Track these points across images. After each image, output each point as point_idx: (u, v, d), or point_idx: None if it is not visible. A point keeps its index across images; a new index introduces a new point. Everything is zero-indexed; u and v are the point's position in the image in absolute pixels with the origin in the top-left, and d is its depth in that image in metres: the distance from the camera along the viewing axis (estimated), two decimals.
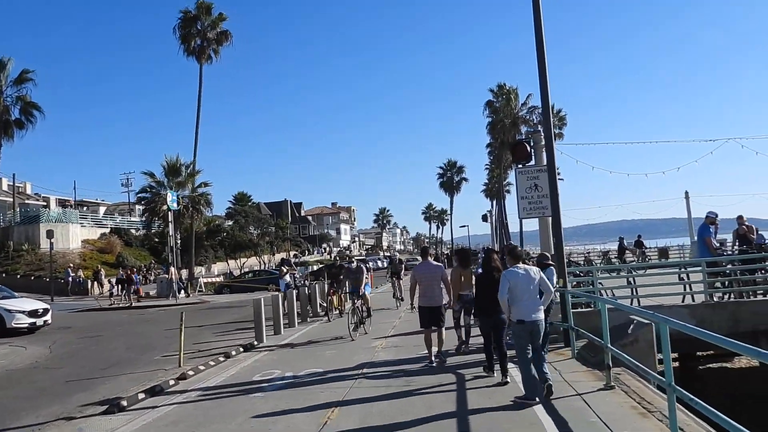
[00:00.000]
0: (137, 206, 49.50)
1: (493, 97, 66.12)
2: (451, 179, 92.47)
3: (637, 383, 8.29)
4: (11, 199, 56.10)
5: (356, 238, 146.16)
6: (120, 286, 34.62)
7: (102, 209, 75.02)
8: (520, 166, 12.68)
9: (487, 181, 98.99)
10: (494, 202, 79.13)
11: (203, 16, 44.81)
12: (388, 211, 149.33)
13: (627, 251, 33.94)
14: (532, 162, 12.57)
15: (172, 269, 37.52)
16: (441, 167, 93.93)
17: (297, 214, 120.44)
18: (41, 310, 21.56)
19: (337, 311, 19.82)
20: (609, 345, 8.10)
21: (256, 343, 14.77)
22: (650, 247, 35.88)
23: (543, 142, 12.46)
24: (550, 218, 11.99)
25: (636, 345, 9.70)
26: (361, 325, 15.07)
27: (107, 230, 57.82)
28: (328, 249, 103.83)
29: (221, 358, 12.77)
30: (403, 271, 23.04)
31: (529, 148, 12.39)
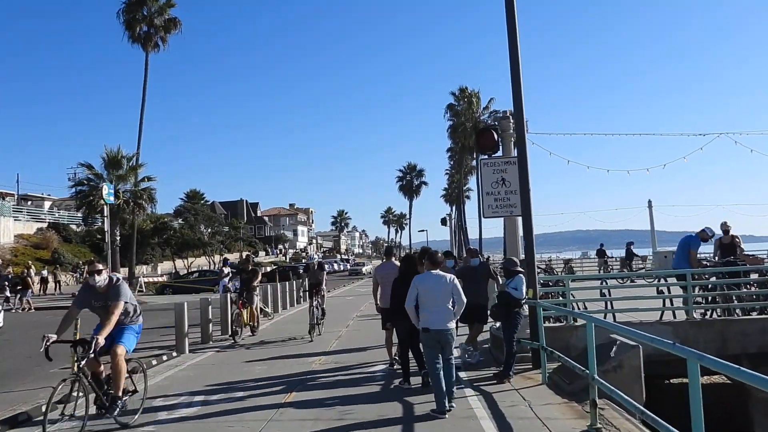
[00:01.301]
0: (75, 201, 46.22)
1: (454, 101, 65.05)
2: (410, 183, 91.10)
3: (627, 423, 6.58)
4: None
5: (314, 240, 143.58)
6: (15, 289, 29.67)
7: (47, 204, 71.11)
8: (485, 156, 10.93)
9: (447, 186, 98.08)
10: (454, 207, 77.98)
11: (150, 1, 42.22)
12: (346, 213, 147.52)
13: (636, 257, 32.10)
14: (500, 153, 10.84)
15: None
16: (401, 170, 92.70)
17: (253, 215, 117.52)
18: None
19: (248, 327, 15.65)
20: (596, 376, 6.37)
21: (175, 354, 12.69)
22: (612, 257, 34.75)
23: (512, 130, 10.76)
24: (520, 218, 10.29)
25: (620, 372, 8.04)
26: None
27: (45, 225, 54.39)
28: (283, 250, 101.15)
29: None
30: (324, 281, 16.09)
31: (496, 137, 10.66)
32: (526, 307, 9.41)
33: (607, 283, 12.35)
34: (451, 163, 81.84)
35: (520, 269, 9.15)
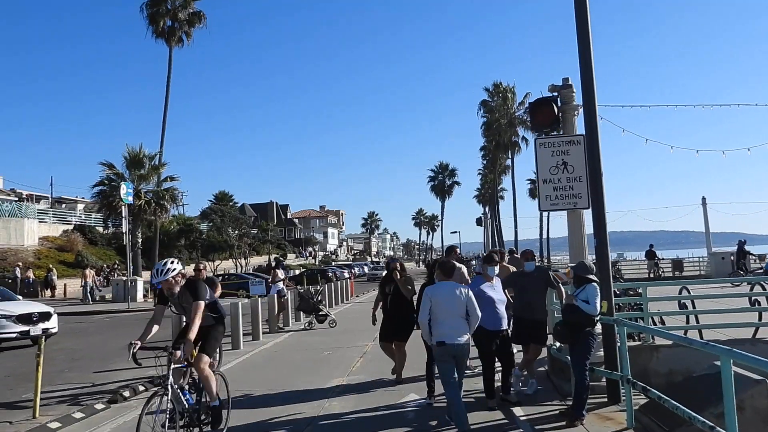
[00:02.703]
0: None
1: (488, 97, 62.74)
2: (442, 183, 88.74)
3: None
4: None
5: (344, 243, 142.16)
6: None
7: (80, 206, 70.78)
8: (541, 135, 8.84)
9: (480, 186, 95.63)
10: (487, 208, 75.52)
11: None
12: (377, 215, 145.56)
13: (750, 256, 29.28)
14: (560, 131, 8.73)
15: (87, 271, 34.45)
16: (432, 170, 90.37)
17: (283, 217, 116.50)
18: (37, 315, 16.55)
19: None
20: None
21: None
22: (663, 259, 32.13)
23: (575, 101, 8.63)
24: (588, 211, 8.17)
25: (742, 415, 5.89)
26: None
27: (71, 227, 53.57)
28: (312, 253, 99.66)
29: (98, 406, 8.78)
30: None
31: (556, 110, 8.54)
32: (599, 325, 7.30)
33: (689, 291, 10.09)
34: (485, 162, 79.40)
35: (593, 277, 7.04)
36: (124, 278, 34.20)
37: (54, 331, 17.06)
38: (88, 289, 35.66)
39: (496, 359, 7.75)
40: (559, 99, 8.67)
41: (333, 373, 10.56)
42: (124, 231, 30.98)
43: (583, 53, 7.62)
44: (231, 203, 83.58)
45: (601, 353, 7.56)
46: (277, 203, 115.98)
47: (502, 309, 7.62)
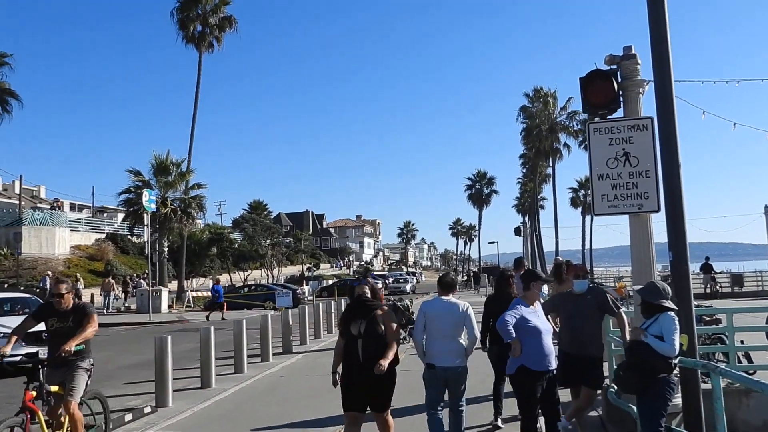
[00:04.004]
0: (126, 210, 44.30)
1: (528, 102, 60.53)
2: (480, 191, 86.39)
3: None
4: (21, 202, 52.10)
5: (380, 253, 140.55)
6: None
7: (120, 215, 70.86)
8: (595, 119, 6.97)
9: (519, 195, 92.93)
10: (527, 218, 73.03)
11: None
12: (413, 224, 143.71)
13: None
14: (620, 113, 6.87)
15: (108, 280, 33.85)
16: (470, 178, 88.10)
17: (318, 226, 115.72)
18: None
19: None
20: None
21: (147, 410, 9.20)
22: (720, 272, 29.51)
23: (640, 76, 6.76)
24: (658, 215, 6.31)
25: None
26: None
27: (103, 236, 53.19)
28: (347, 263, 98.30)
29: None
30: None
31: (616, 87, 6.68)
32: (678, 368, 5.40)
33: None
34: (524, 170, 76.89)
35: (669, 304, 5.17)
36: (149, 288, 33.17)
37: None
38: (110, 299, 34.90)
39: (538, 407, 5.92)
40: (618, 73, 6.81)
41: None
42: (146, 240, 29.81)
43: (654, 6, 5.77)
44: (265, 212, 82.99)
45: (678, 400, 5.68)
46: (312, 213, 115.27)
47: (549, 342, 5.78)
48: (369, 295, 5.85)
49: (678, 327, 5.02)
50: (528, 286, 5.89)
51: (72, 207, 69.37)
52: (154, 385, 9.71)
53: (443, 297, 6.27)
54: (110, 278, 39.53)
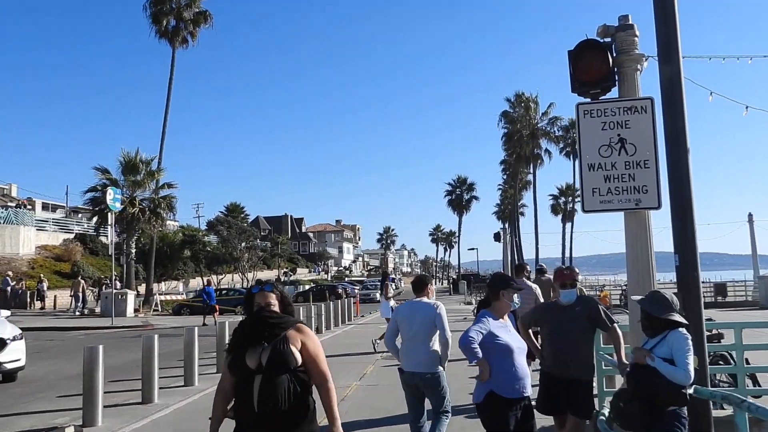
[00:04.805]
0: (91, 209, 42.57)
1: (509, 107, 59.97)
2: (460, 197, 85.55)
3: None
4: None
5: (359, 258, 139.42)
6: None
7: (95, 217, 68.86)
8: (585, 100, 5.98)
9: (499, 202, 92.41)
10: (507, 224, 72.34)
11: None
12: (393, 230, 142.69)
13: None
14: (614, 93, 5.89)
15: (78, 280, 33.09)
16: (450, 184, 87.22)
17: (297, 230, 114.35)
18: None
19: None
20: None
21: (69, 431, 8.00)
22: (702, 282, 28.81)
23: (638, 50, 5.80)
24: (654, 213, 5.33)
25: None
26: None
27: (72, 236, 51.45)
28: (326, 268, 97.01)
29: None
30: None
31: (611, 61, 5.71)
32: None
33: None
34: (505, 176, 76.37)
35: (679, 318, 4.17)
36: (115, 291, 31.76)
37: (17, 365, 12.01)
38: (79, 302, 33.52)
39: None
40: (613, 47, 5.84)
41: None
42: (110, 240, 28.43)
43: None
44: (242, 215, 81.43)
45: None
46: (291, 216, 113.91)
47: (523, 363, 4.73)
48: (276, 308, 3.59)
49: (692, 348, 4.02)
50: (497, 295, 4.73)
51: (45, 207, 67.44)
52: (82, 401, 8.54)
53: (416, 299, 6.08)
54: (80, 278, 38.07)
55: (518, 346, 4.70)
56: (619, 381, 7.56)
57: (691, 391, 4.06)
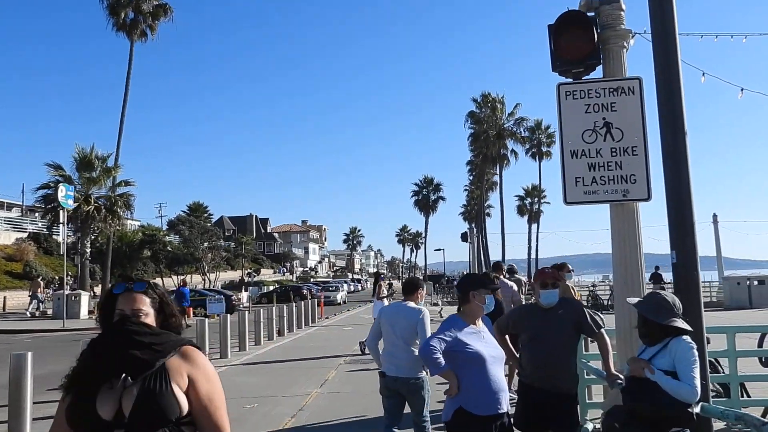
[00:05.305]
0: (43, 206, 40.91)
1: (476, 108, 59.77)
2: (427, 198, 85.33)
3: None
4: None
5: (325, 259, 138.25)
6: None
7: (48, 215, 66.47)
8: (567, 80, 5.39)
9: (466, 203, 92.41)
10: (473, 225, 72.36)
11: None
12: (359, 231, 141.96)
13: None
14: (597, 73, 5.32)
15: (37, 280, 32.27)
16: (416, 184, 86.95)
17: (263, 231, 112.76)
18: None
19: None
20: None
21: None
22: (669, 282, 28.78)
23: (623, 25, 5.25)
24: (646, 205, 4.78)
25: None
26: None
27: (25, 235, 49.54)
28: (291, 268, 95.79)
29: None
30: None
31: (595, 36, 5.13)
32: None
33: None
34: (471, 177, 76.36)
35: (683, 324, 3.59)
36: (68, 292, 30.42)
37: None
38: (37, 303, 32.14)
39: None
40: (597, 21, 5.27)
41: None
42: (62, 239, 27.15)
43: None
44: (206, 215, 79.85)
45: None
46: (256, 216, 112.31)
47: (499, 374, 4.10)
48: (150, 319, 2.27)
49: (698, 359, 3.45)
50: (466, 297, 4.09)
51: (0, 205, 64.97)
52: (8, 413, 7.70)
53: (404, 302, 5.91)
54: (39, 278, 36.57)
55: (492, 354, 4.07)
56: (597, 391, 7.02)
57: (697, 409, 3.48)
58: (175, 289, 28.91)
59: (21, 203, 68.32)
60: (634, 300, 3.82)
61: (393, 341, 5.71)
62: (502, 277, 9.23)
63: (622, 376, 4.40)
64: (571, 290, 8.13)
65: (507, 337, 5.00)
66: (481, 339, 4.07)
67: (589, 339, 5.45)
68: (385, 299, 15.05)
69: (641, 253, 5.02)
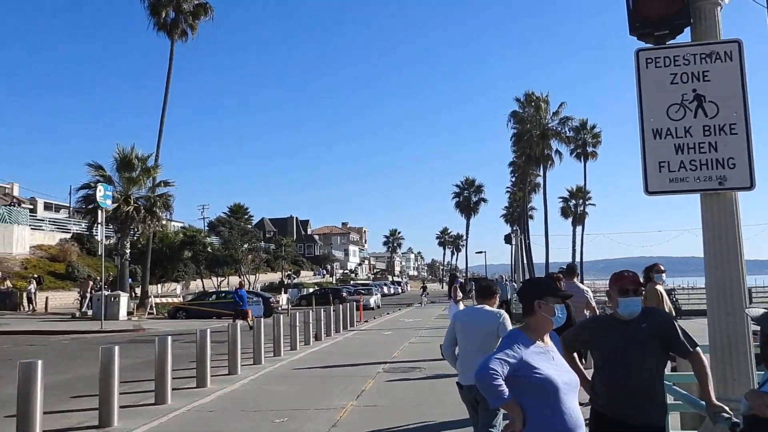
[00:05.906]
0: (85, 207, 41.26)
1: (519, 107, 58.46)
2: (468, 199, 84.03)
3: None
4: None
5: (365, 261, 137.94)
6: None
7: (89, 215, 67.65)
8: (647, 47, 4.47)
9: (507, 205, 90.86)
10: (516, 227, 70.90)
11: None
12: (399, 233, 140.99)
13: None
14: (685, 36, 4.41)
15: (85, 280, 31.54)
16: (458, 186, 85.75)
17: (303, 233, 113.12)
18: None
19: None
20: None
21: None
22: (680, 288, 26.99)
23: None
24: (744, 195, 3.84)
25: None
26: None
27: (69, 236, 50.27)
28: (331, 270, 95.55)
29: None
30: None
31: None
32: None
33: None
34: (513, 179, 74.79)
35: None
36: (107, 293, 30.41)
37: None
38: (89, 302, 32.28)
39: None
40: None
41: None
42: (100, 239, 27.08)
43: None
44: (246, 216, 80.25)
45: None
46: (297, 218, 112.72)
47: (574, 404, 3.23)
48: None
49: None
50: (531, 308, 3.26)
51: (48, 207, 66.38)
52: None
53: (479, 306, 5.68)
54: (87, 278, 36.92)
55: (566, 381, 3.21)
56: (688, 420, 6.03)
57: None
58: (232, 291, 28.49)
59: (68, 204, 69.81)
60: (759, 312, 2.91)
61: (465, 347, 5.52)
62: (575, 280, 8.28)
63: (728, 408, 3.50)
64: (660, 297, 7.02)
65: (575, 354, 4.13)
66: (551, 360, 3.22)
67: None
68: (461, 302, 14.38)
69: (741, 254, 4.08)
